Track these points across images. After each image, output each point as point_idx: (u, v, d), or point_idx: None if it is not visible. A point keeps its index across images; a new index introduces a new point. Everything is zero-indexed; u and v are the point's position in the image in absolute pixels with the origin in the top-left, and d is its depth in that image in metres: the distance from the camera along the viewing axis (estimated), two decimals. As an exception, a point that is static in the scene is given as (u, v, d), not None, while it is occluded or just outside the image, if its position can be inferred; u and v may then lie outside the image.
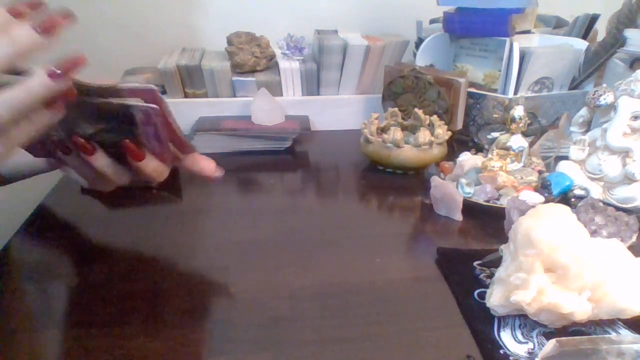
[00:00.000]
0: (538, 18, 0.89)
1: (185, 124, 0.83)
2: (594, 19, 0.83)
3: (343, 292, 0.45)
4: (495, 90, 0.79)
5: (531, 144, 0.68)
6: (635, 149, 0.59)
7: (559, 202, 0.58)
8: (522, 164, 0.64)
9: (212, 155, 0.76)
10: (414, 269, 0.49)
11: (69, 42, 1.06)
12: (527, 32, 0.83)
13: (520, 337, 0.39)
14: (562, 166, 0.64)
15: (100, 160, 0.42)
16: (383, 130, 0.75)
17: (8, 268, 0.48)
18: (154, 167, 0.43)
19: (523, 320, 0.41)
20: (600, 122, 0.63)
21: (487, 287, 0.43)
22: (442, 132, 0.70)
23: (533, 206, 0.46)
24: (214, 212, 0.61)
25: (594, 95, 0.62)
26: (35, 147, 0.43)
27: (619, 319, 0.40)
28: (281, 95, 0.88)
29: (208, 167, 0.46)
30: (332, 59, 0.86)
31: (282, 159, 0.78)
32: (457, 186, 0.60)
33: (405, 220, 0.60)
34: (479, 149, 0.72)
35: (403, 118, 0.77)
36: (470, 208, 0.58)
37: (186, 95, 0.86)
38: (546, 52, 0.76)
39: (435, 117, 0.73)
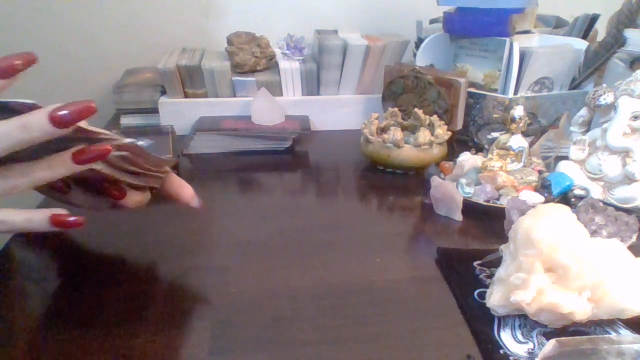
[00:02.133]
0: (538, 18, 0.89)
1: (185, 124, 0.83)
2: (594, 19, 0.84)
3: (343, 292, 0.45)
4: (495, 90, 0.79)
5: (531, 144, 0.68)
6: (635, 149, 0.59)
7: (559, 202, 0.58)
8: (522, 164, 0.64)
9: (212, 155, 0.77)
10: (414, 269, 0.49)
11: (70, 42, 1.06)
12: (527, 32, 0.83)
13: (520, 337, 0.39)
14: (562, 166, 0.64)
15: (77, 198, 0.42)
16: (383, 130, 0.75)
17: (8, 268, 0.48)
18: (135, 201, 0.43)
19: (523, 320, 0.41)
20: (600, 122, 0.63)
21: (487, 287, 0.43)
22: (442, 132, 0.70)
23: (533, 206, 0.46)
24: (214, 212, 0.61)
25: (594, 95, 0.62)
26: None
27: (619, 319, 0.40)
28: (281, 95, 0.88)
29: (186, 193, 0.45)
30: (332, 59, 0.86)
31: (282, 159, 0.78)
32: (457, 186, 0.60)
33: (405, 220, 0.60)
34: (479, 149, 0.72)
35: (403, 118, 0.77)
36: (470, 208, 0.58)
37: (186, 95, 0.86)
38: (546, 52, 0.76)
39: (435, 117, 0.73)
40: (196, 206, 0.46)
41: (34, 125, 0.31)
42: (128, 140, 0.39)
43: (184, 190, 0.46)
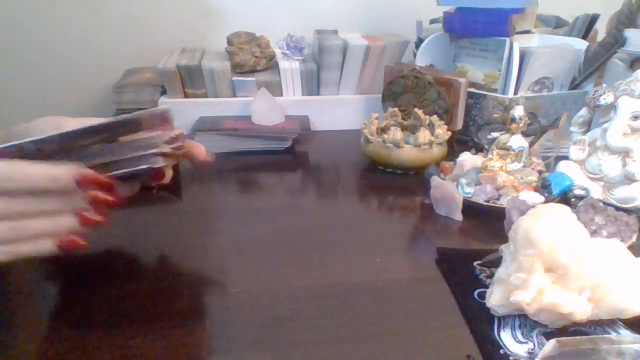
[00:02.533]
0: (538, 18, 0.89)
1: (185, 124, 0.83)
2: (594, 19, 0.84)
3: (343, 292, 0.45)
4: (495, 90, 0.79)
5: (531, 144, 0.68)
6: (635, 149, 0.59)
7: (559, 202, 0.58)
8: (522, 164, 0.64)
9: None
10: (414, 269, 0.49)
11: (69, 42, 1.06)
12: (527, 32, 0.83)
13: (520, 337, 0.39)
14: (562, 166, 0.64)
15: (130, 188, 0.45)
16: (383, 130, 0.75)
17: (7, 268, 0.48)
18: (168, 176, 0.47)
19: (523, 320, 0.41)
20: (600, 122, 0.63)
21: (487, 287, 0.43)
22: (442, 132, 0.70)
23: (533, 206, 0.46)
24: (214, 212, 0.61)
25: (594, 95, 0.62)
26: None
27: (619, 319, 0.40)
28: (281, 95, 0.88)
29: (201, 152, 0.49)
30: (332, 59, 0.86)
31: (282, 159, 0.78)
32: (457, 186, 0.60)
33: (405, 220, 0.60)
34: (479, 149, 0.72)
35: (403, 118, 0.77)
36: (470, 208, 0.58)
37: (186, 95, 0.86)
38: (546, 52, 0.76)
39: (435, 117, 0.73)
40: (211, 160, 0.50)
41: (60, 180, 0.35)
42: (178, 130, 0.44)
43: (197, 149, 0.49)
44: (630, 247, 0.43)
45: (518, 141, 0.64)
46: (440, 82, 0.76)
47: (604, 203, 0.57)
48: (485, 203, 0.58)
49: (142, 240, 0.53)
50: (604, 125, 0.62)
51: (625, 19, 0.75)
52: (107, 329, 0.39)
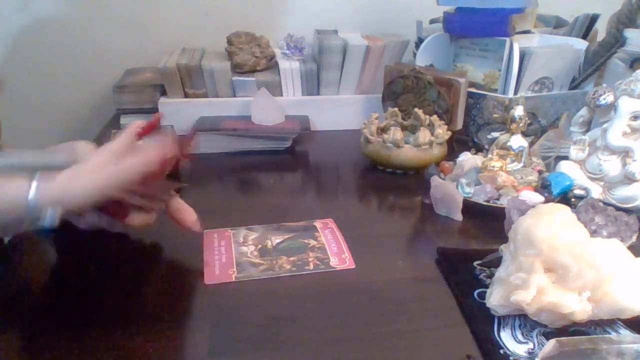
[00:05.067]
0: (538, 18, 0.89)
1: (185, 124, 0.83)
2: (594, 19, 0.84)
3: (343, 292, 0.45)
4: (495, 90, 0.79)
5: (531, 144, 0.68)
6: (635, 149, 0.59)
7: (559, 202, 0.58)
8: (522, 164, 0.64)
9: (212, 155, 0.77)
10: (414, 269, 0.49)
11: (70, 42, 1.06)
12: (527, 32, 0.83)
13: (520, 337, 0.39)
14: (562, 166, 0.64)
15: (92, 218, 0.47)
16: (383, 130, 0.75)
17: (8, 268, 0.48)
18: (139, 220, 0.48)
19: (523, 320, 0.41)
20: (600, 122, 0.63)
21: (487, 287, 0.43)
22: (442, 132, 0.70)
23: (533, 206, 0.46)
24: (214, 212, 0.61)
25: (594, 95, 0.62)
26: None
27: (619, 319, 0.40)
28: (281, 95, 0.88)
29: (189, 219, 0.49)
30: (332, 59, 0.86)
31: (282, 159, 0.78)
32: (457, 186, 0.60)
33: (405, 220, 0.60)
34: (479, 149, 0.72)
35: (403, 118, 0.77)
36: (470, 208, 0.58)
37: (186, 95, 0.86)
38: (546, 52, 0.76)
39: (435, 117, 0.73)
40: (198, 231, 0.49)
41: (153, 163, 0.42)
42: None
43: (187, 216, 0.49)
44: (630, 247, 0.43)
45: (518, 141, 0.64)
46: (440, 82, 0.76)
47: (604, 203, 0.57)
48: (485, 203, 0.58)
49: (141, 239, 0.53)
50: (604, 125, 0.62)
51: (625, 19, 0.75)
52: (107, 329, 0.39)
